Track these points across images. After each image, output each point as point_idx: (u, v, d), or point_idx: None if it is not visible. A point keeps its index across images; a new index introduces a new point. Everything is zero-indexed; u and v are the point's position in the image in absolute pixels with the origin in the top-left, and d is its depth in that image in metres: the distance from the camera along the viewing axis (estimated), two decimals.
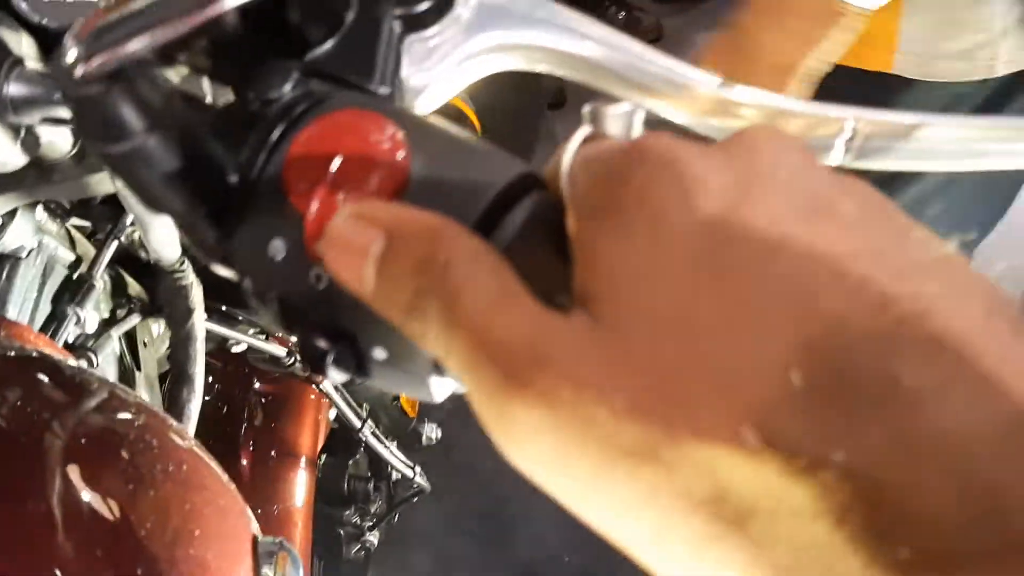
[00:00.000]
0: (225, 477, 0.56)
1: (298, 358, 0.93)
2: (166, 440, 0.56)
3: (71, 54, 0.29)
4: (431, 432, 1.40)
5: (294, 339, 0.94)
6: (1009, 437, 0.20)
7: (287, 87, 0.34)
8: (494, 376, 0.24)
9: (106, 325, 0.73)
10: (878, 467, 0.20)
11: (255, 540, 0.53)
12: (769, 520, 0.21)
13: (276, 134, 0.33)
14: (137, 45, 0.29)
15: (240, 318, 0.89)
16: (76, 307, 0.68)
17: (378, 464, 1.28)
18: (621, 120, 0.30)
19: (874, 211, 0.25)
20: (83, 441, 0.53)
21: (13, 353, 0.61)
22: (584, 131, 0.30)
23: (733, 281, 0.23)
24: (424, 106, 0.38)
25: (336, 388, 1.01)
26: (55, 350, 0.64)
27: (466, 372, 0.26)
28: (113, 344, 0.73)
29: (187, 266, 0.76)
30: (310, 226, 0.30)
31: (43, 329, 0.66)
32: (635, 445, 0.22)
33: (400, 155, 0.31)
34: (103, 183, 0.61)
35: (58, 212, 0.70)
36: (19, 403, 0.56)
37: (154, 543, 0.48)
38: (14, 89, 0.53)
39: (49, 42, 0.58)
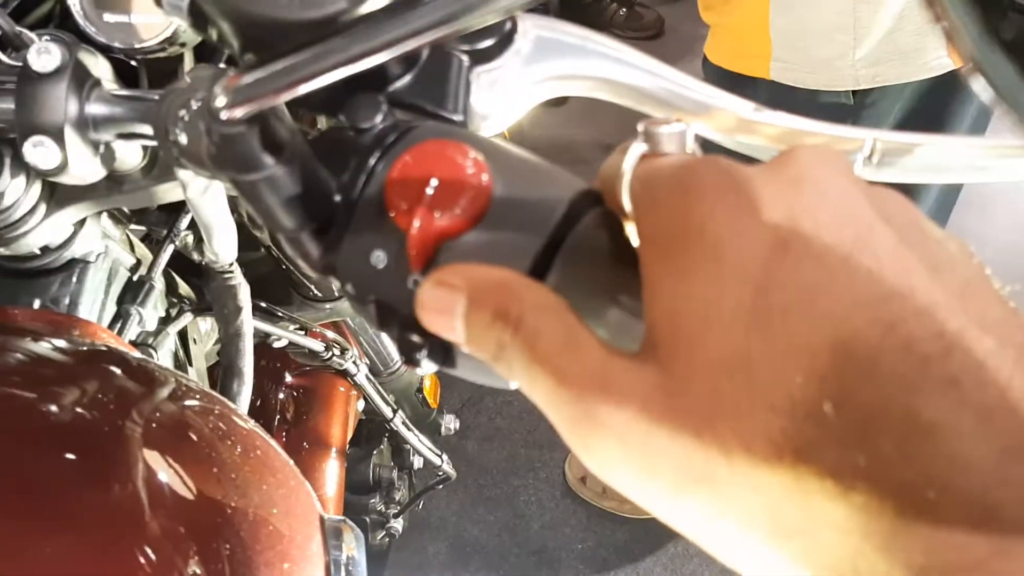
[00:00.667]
0: (289, 460, 0.62)
1: (335, 352, 0.98)
2: (235, 426, 0.61)
3: (220, 101, 0.34)
4: (450, 423, 1.45)
5: (331, 335, 0.98)
6: (1003, 459, 0.23)
7: (378, 118, 0.39)
8: (573, 413, 0.29)
9: (163, 323, 0.78)
10: (899, 491, 0.24)
11: (322, 518, 0.59)
12: (812, 533, 0.25)
13: (373, 159, 0.38)
14: (278, 98, 0.34)
15: (280, 315, 0.94)
16: (138, 307, 0.73)
17: (401, 453, 1.33)
18: (675, 139, 0.35)
19: (910, 234, 0.28)
20: (161, 427, 0.58)
21: (87, 349, 0.66)
22: (640, 148, 0.35)
23: (783, 322, 0.26)
24: (491, 130, 0.44)
25: (369, 380, 1.06)
26: (123, 346, 0.69)
27: (548, 407, 0.30)
28: (170, 341, 0.78)
29: (236, 267, 0.81)
30: (413, 240, 0.35)
31: (110, 327, 0.71)
32: (700, 472, 0.27)
33: (484, 177, 0.36)
34: (168, 192, 0.66)
35: (121, 219, 0.75)
36: (97, 394, 0.61)
37: (237, 520, 0.53)
38: (95, 108, 0.58)
39: (118, 62, 0.63)
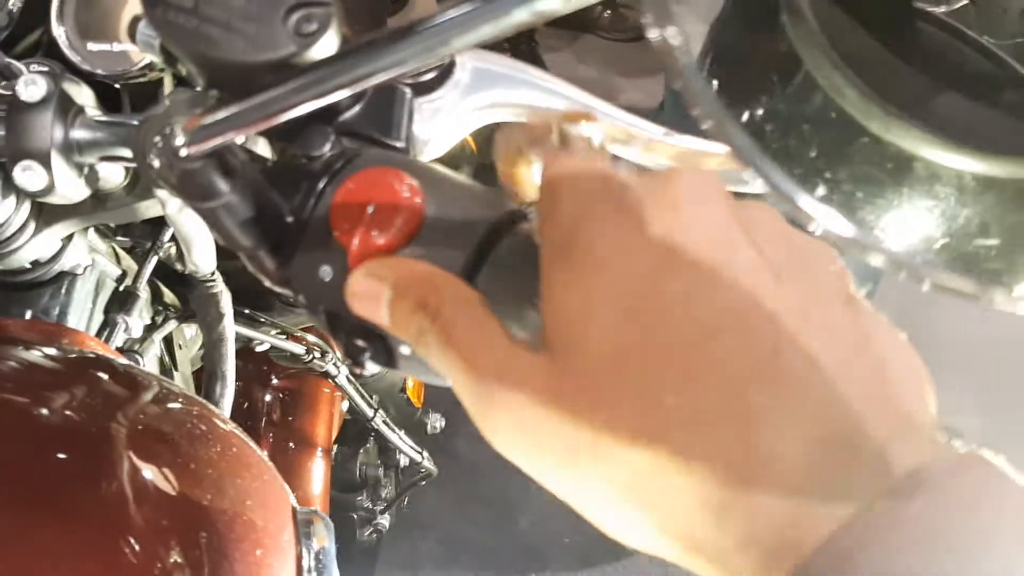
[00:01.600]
0: (265, 456, 0.66)
1: (315, 355, 1.02)
2: (213, 426, 0.66)
3: (179, 140, 0.38)
4: (435, 422, 1.50)
5: (312, 339, 1.03)
6: (813, 448, 0.28)
7: (326, 147, 0.44)
8: (478, 394, 0.34)
9: (148, 330, 0.83)
10: (728, 470, 0.29)
11: (294, 510, 0.63)
12: (665, 502, 0.30)
13: (321, 184, 0.43)
14: (233, 136, 0.38)
15: (263, 320, 0.99)
16: (124, 315, 0.77)
17: (387, 452, 1.38)
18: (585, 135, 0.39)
19: (771, 245, 0.32)
20: (145, 429, 0.63)
21: (75, 356, 0.70)
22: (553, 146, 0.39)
23: (653, 327, 0.31)
24: (431, 154, 0.48)
25: (350, 381, 1.11)
26: (110, 353, 0.74)
27: (459, 389, 0.35)
28: (155, 347, 0.83)
29: (217, 276, 0.85)
30: (353, 257, 0.40)
31: (97, 335, 0.76)
32: (579, 449, 0.31)
33: (417, 200, 0.40)
34: (150, 208, 0.70)
35: (106, 233, 0.79)
36: (85, 398, 0.65)
37: (213, 512, 0.57)
38: (79, 133, 0.62)
39: (100, 89, 0.68)
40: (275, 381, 1.18)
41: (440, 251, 0.40)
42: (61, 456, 0.59)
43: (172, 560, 0.56)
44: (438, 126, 0.48)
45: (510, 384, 0.33)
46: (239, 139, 0.39)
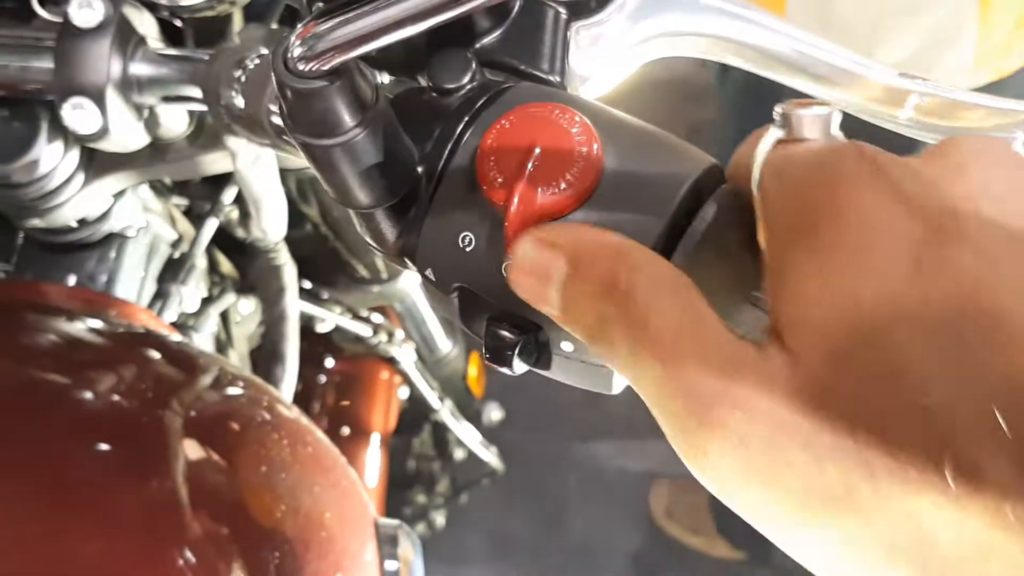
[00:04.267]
0: (342, 456, 0.57)
1: (383, 338, 0.93)
2: (285, 420, 0.56)
3: (296, 51, 0.28)
4: (493, 414, 1.40)
5: (378, 320, 0.94)
6: None
7: (466, 77, 0.34)
8: (684, 411, 0.24)
9: (204, 304, 0.73)
10: None
11: (376, 523, 0.54)
12: (979, 570, 0.21)
13: (461, 126, 0.33)
14: (362, 48, 0.28)
15: (326, 297, 0.89)
16: (180, 286, 0.68)
17: (443, 444, 1.28)
18: (816, 123, 0.29)
19: None
20: (203, 418, 0.54)
21: (124, 331, 0.61)
22: (776, 133, 0.30)
23: (942, 322, 0.22)
24: (591, 94, 0.38)
25: (417, 368, 1.01)
26: (163, 328, 0.65)
27: (654, 400, 0.25)
28: (211, 323, 0.73)
29: (282, 245, 0.76)
30: (511, 220, 0.30)
31: (149, 307, 0.67)
32: (834, 490, 0.22)
33: (594, 148, 0.31)
34: (214, 163, 0.61)
35: (162, 191, 0.70)
36: (135, 381, 0.56)
37: (286, 525, 0.48)
38: (139, 68, 0.53)
39: (161, 22, 0.58)
40: (329, 364, 1.08)
41: (626, 216, 0.30)
42: (105, 449, 0.51)
43: None
44: (600, 58, 0.37)
45: (737, 395, 0.23)
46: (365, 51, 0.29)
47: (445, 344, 1.13)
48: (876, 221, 0.24)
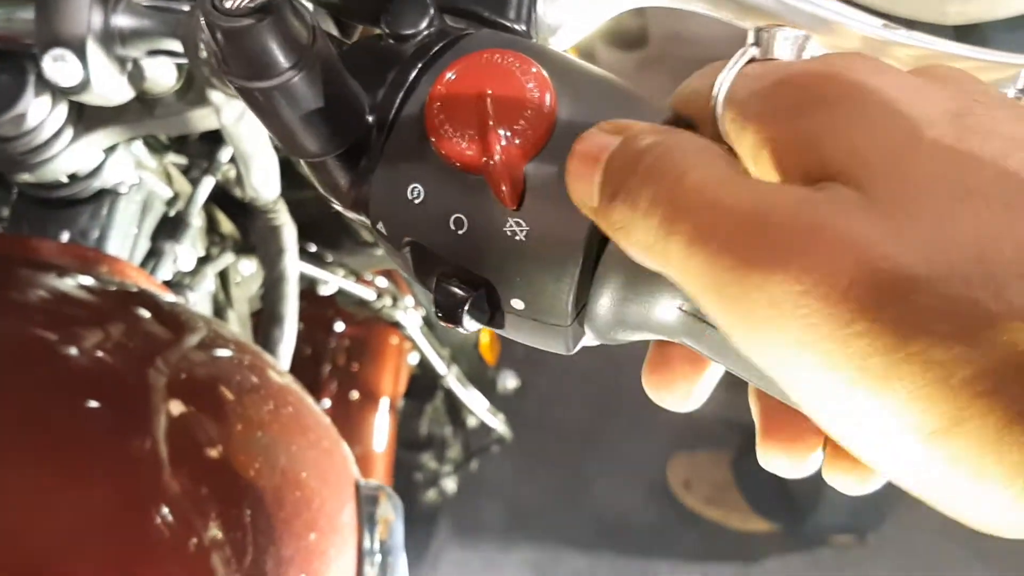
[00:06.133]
0: (326, 418, 0.56)
1: (387, 303, 0.92)
2: (267, 379, 0.56)
3: None
4: (509, 382, 1.39)
5: (383, 283, 0.93)
6: None
7: (423, 23, 0.33)
8: (740, 254, 0.21)
9: (201, 263, 0.73)
10: None
11: (357, 484, 0.53)
12: None
13: (413, 73, 0.32)
14: None
15: (330, 260, 0.89)
16: (174, 244, 0.68)
17: (456, 410, 1.28)
18: (792, 44, 0.28)
19: None
20: (187, 378, 0.53)
21: (114, 288, 0.61)
22: (751, 51, 0.29)
23: (995, 160, 0.21)
24: (559, 45, 0.36)
25: (423, 333, 1.01)
26: (155, 287, 0.64)
27: (693, 263, 0.23)
28: (208, 282, 0.73)
29: (281, 206, 0.75)
30: (499, 172, 0.29)
31: (142, 265, 0.66)
32: (937, 321, 0.19)
33: (548, 98, 0.29)
34: (205, 119, 0.60)
35: (157, 148, 0.69)
36: (122, 338, 0.56)
37: (261, 484, 0.48)
38: (121, 20, 0.52)
39: None
40: (340, 328, 1.08)
41: None
42: (90, 404, 0.51)
43: (210, 536, 0.47)
44: (569, 7, 0.36)
45: (813, 227, 0.21)
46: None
47: None
48: (907, 90, 0.23)
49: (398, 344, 1.08)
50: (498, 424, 1.26)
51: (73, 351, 0.53)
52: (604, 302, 0.30)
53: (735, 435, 1.80)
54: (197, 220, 0.70)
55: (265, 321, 0.75)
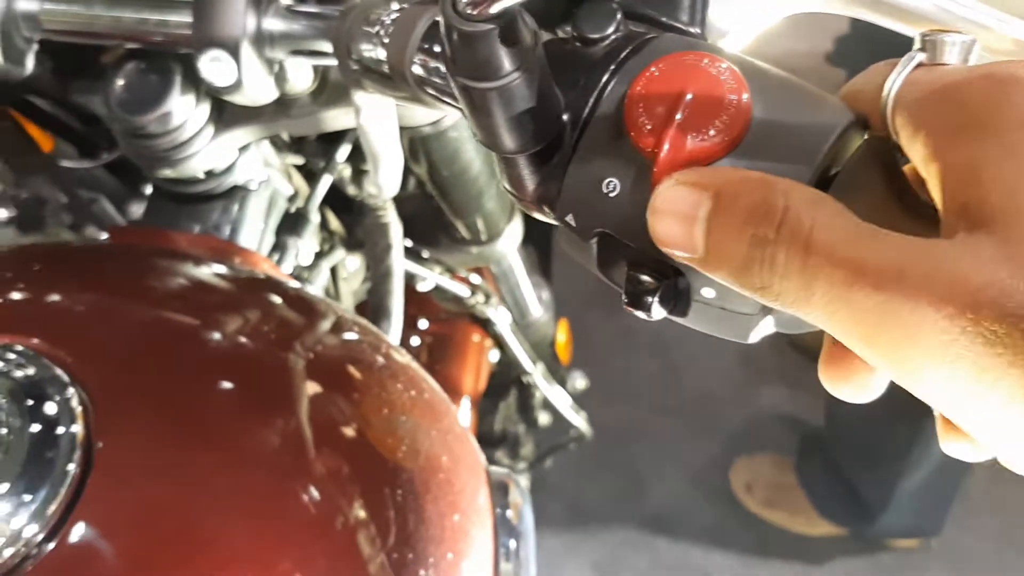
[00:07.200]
0: (453, 405, 0.58)
1: (480, 299, 0.95)
2: (399, 364, 0.58)
3: None
4: (578, 382, 1.41)
5: (476, 280, 0.95)
6: None
7: (611, 27, 0.35)
8: (875, 310, 0.24)
9: (317, 258, 0.76)
10: None
11: (487, 471, 0.55)
12: None
13: (607, 75, 0.34)
14: None
15: (426, 256, 0.91)
16: (296, 238, 0.70)
17: (528, 408, 1.30)
18: (960, 50, 0.30)
19: None
20: (325, 361, 0.55)
21: (248, 277, 0.63)
22: (918, 57, 0.30)
23: None
24: (730, 47, 0.38)
25: (511, 330, 1.03)
26: (284, 277, 0.67)
27: (835, 312, 0.25)
28: (323, 276, 0.76)
29: (390, 203, 0.78)
30: (661, 165, 0.31)
31: (268, 258, 0.69)
32: None
33: (744, 96, 0.31)
34: (336, 118, 0.62)
35: (280, 147, 0.72)
36: (260, 323, 0.58)
37: (407, 467, 0.50)
38: (272, 23, 0.55)
39: None
40: (424, 325, 1.10)
41: (773, 165, 0.31)
42: (233, 387, 0.53)
43: (355, 515, 0.49)
44: (739, 11, 0.38)
45: (939, 285, 0.23)
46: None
47: (536, 309, 1.14)
48: None
49: (480, 341, 1.10)
50: (580, 422, 1.27)
51: (215, 335, 0.55)
52: None
53: (795, 437, 1.80)
54: (315, 216, 0.73)
55: (372, 315, 0.78)
